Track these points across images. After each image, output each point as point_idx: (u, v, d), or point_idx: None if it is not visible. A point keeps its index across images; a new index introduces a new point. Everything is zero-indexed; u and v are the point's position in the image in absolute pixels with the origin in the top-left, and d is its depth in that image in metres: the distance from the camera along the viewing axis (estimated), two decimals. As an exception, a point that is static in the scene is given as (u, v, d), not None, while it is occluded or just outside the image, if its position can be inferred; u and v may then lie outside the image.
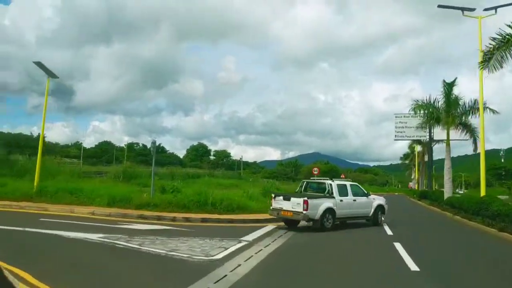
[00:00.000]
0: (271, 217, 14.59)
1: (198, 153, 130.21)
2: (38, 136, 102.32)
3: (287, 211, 13.02)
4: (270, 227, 13.57)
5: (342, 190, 14.10)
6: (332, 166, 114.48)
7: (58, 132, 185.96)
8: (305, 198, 12.61)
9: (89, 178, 33.24)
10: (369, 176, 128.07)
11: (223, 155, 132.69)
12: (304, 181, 16.31)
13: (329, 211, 13.13)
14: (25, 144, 77.44)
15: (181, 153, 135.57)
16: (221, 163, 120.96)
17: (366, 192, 15.48)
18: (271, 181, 34.14)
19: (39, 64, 17.19)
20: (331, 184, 14.03)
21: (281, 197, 13.62)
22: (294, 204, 12.80)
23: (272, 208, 13.74)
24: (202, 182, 48.01)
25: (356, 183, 15.83)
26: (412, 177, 64.33)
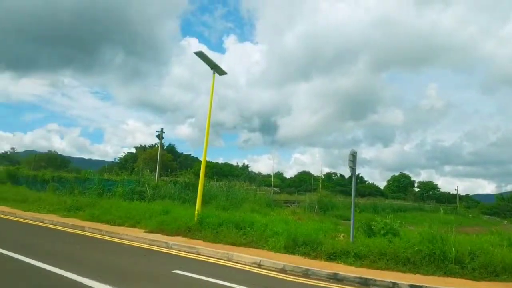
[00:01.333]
0: None
1: (400, 184, 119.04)
2: (243, 165, 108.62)
3: None
4: None
5: None
6: None
7: (263, 164, 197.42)
8: None
9: (278, 208, 29.07)
10: None
11: (428, 186, 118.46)
12: None
13: None
14: (229, 173, 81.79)
15: (380, 184, 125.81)
16: (427, 195, 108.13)
17: None
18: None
19: (201, 55, 13.16)
20: None
21: None
22: None
23: None
24: (413, 217, 39.39)
25: None
26: None
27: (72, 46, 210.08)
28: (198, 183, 26.61)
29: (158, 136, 29.19)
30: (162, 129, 28.99)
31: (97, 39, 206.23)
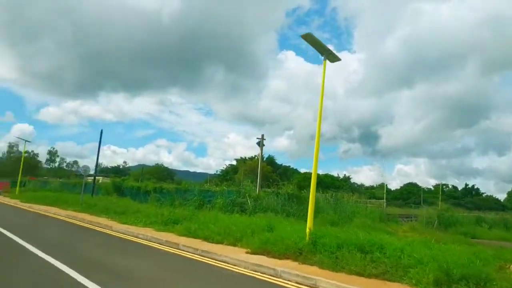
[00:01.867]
0: None
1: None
2: (344, 177, 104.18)
3: None
4: None
5: None
6: None
7: (364, 175, 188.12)
8: None
9: (394, 223, 25.54)
10: None
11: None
12: None
13: None
14: (331, 183, 78.18)
15: (499, 196, 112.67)
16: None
17: None
18: None
19: (310, 38, 10.81)
20: None
21: None
22: None
23: None
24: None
25: None
26: None
27: (178, 66, 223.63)
28: (301, 195, 24.39)
29: (258, 144, 27.44)
30: (262, 135, 27.25)
31: (200, 58, 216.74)
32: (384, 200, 33.08)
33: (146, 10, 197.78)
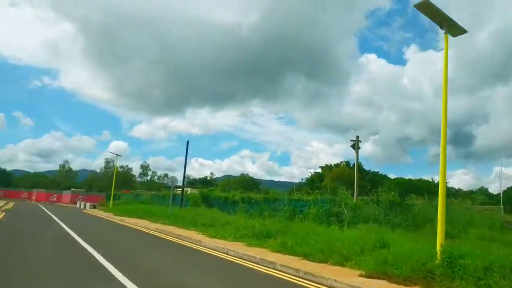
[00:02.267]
0: None
1: None
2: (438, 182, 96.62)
3: None
4: None
5: None
6: None
7: (458, 179, 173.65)
8: None
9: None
10: None
11: None
12: None
13: None
14: (426, 189, 72.32)
15: None
16: None
17: None
18: None
19: (424, 6, 8.63)
20: None
21: None
22: None
23: None
24: None
25: None
26: None
27: (258, 77, 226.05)
28: (405, 203, 21.68)
29: (353, 146, 25.17)
30: (357, 137, 24.93)
31: (280, 68, 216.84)
32: (501, 206, 28.86)
33: (225, 25, 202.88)
